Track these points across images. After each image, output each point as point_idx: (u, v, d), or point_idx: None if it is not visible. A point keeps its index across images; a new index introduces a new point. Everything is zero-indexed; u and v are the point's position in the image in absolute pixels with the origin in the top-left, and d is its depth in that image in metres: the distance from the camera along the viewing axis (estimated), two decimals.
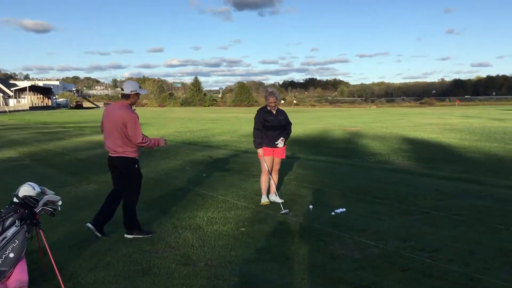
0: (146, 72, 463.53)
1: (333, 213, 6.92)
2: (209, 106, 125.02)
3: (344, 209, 7.10)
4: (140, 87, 5.88)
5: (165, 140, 6.27)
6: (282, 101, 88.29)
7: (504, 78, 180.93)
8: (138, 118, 5.71)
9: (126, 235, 5.97)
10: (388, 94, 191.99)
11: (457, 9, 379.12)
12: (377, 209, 7.19)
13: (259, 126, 7.72)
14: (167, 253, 5.31)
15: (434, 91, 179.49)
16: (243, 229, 6.25)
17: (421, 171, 11.39)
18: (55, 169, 12.14)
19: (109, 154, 5.88)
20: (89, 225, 5.94)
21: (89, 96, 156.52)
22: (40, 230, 4.25)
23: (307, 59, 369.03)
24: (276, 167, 7.90)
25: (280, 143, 7.77)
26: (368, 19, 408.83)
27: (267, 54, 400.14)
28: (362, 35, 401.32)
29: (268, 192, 7.87)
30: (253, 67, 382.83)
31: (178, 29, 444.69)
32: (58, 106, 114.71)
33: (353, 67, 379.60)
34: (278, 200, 7.70)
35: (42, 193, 4.36)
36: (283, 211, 7.10)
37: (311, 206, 7.24)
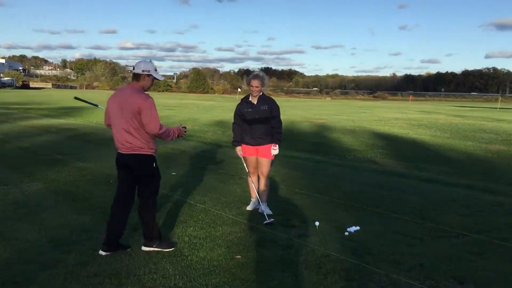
0: (98, 54, 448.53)
1: (346, 233, 5.52)
2: (163, 91, 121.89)
3: (358, 227, 5.72)
4: (156, 70, 4.78)
5: (185, 128, 5.08)
6: (239, 89, 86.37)
7: (453, 75, 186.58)
8: (154, 103, 4.60)
9: (143, 247, 4.88)
10: (342, 87, 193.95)
11: (411, 5, 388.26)
12: (398, 227, 5.85)
13: (236, 119, 6.38)
14: None
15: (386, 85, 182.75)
16: (238, 256, 4.75)
17: (414, 174, 10.25)
18: None
19: (119, 151, 4.79)
20: (103, 253, 4.74)
21: (36, 76, 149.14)
22: None
23: (263, 48, 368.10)
24: (263, 169, 6.40)
25: (273, 150, 6.32)
26: (324, 11, 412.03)
27: (224, 41, 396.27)
28: (318, 27, 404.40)
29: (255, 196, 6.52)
30: (209, 53, 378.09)
31: (132, 10, 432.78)
32: (3, 85, 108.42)
33: (308, 58, 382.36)
34: (266, 210, 6.27)
35: None
36: (268, 221, 5.79)
37: (317, 223, 5.80)
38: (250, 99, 6.28)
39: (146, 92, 4.69)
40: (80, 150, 11.92)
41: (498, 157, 15.05)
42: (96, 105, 6.85)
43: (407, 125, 26.10)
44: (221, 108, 39.36)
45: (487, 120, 32.19)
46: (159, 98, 58.70)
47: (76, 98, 7.15)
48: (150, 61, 4.81)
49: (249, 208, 6.49)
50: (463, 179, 9.97)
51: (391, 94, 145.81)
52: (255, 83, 6.12)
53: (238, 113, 6.30)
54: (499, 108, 57.00)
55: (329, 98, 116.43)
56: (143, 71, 4.64)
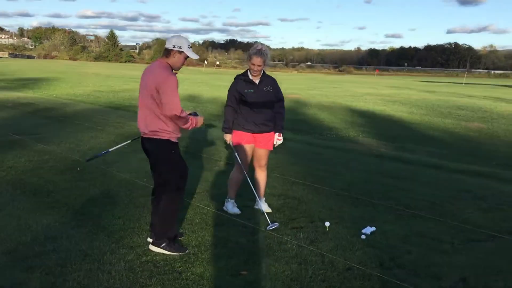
0: (57, 22, 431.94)
1: (363, 236, 4.72)
2: (125, 62, 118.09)
3: (374, 228, 4.93)
4: (190, 47, 4.18)
5: (204, 119, 4.49)
6: (205, 62, 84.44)
7: (416, 50, 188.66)
8: (177, 83, 4.05)
9: (151, 247, 4.26)
10: (308, 60, 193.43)
11: None
12: (419, 227, 5.08)
13: (232, 102, 5.27)
14: None
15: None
16: (244, 272, 3.87)
17: (408, 157, 9.60)
18: None
19: (141, 135, 4.29)
20: (150, 240, 4.36)
21: None
22: None
23: (229, 20, 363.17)
24: (262, 161, 5.48)
25: (277, 141, 5.42)
26: None
27: (188, 11, 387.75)
28: None
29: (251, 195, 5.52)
30: (173, 24, 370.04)
31: None
32: None
33: (273, 30, 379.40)
34: (266, 208, 5.40)
35: None
36: (271, 226, 4.88)
37: (327, 223, 4.96)
38: (250, 76, 5.25)
39: (174, 71, 4.14)
40: (40, 129, 10.66)
41: (480, 135, 14.85)
42: (108, 151, 5.92)
43: (381, 101, 25.65)
44: (189, 81, 37.91)
45: (458, 96, 32.12)
46: (123, 70, 56.49)
47: (88, 160, 6.36)
48: (185, 36, 4.13)
49: (231, 210, 5.41)
50: (457, 163, 9.42)
51: (356, 68, 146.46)
52: (257, 61, 5.08)
53: (235, 94, 5.23)
54: (465, 83, 57.57)
55: (296, 72, 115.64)
56: (174, 46, 4.10)
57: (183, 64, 4.21)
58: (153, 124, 4.08)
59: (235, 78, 5.34)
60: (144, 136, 4.19)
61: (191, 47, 4.16)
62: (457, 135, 14.64)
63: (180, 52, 4.10)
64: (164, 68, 4.06)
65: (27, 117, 12.73)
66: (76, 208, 5.27)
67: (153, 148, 4.17)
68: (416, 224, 5.19)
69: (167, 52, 4.13)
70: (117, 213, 5.14)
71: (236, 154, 5.33)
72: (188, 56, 4.16)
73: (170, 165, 4.18)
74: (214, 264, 4.00)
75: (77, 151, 8.28)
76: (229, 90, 5.32)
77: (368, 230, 4.89)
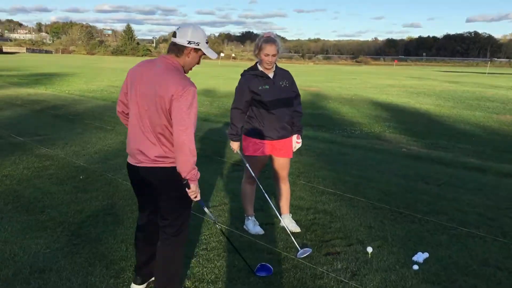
0: (74, 17, 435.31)
1: (415, 267, 3.87)
2: (142, 56, 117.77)
3: (426, 255, 4.08)
4: (207, 42, 3.09)
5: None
6: (221, 54, 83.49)
7: (434, 39, 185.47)
8: (196, 95, 2.89)
9: None
10: (324, 51, 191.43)
11: None
12: (480, 252, 4.20)
13: (240, 103, 4.36)
14: None
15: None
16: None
17: (444, 157, 8.68)
18: None
19: (132, 161, 3.10)
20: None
21: (10, 40, 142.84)
22: None
23: (245, 12, 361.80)
24: (284, 171, 4.63)
25: (297, 144, 4.58)
26: None
27: (204, 4, 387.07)
28: None
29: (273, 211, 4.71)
30: (189, 17, 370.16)
31: None
32: None
33: (290, 22, 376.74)
34: (293, 228, 4.58)
35: None
36: (302, 252, 4.02)
37: (369, 249, 4.12)
38: (261, 70, 4.37)
39: (187, 76, 2.99)
40: (46, 129, 9.96)
41: None
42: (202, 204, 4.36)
43: (404, 93, 24.64)
44: (204, 74, 37.17)
45: (484, 87, 30.84)
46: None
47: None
48: (202, 28, 3.06)
49: (252, 230, 4.58)
50: (500, 163, 8.52)
51: (373, 59, 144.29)
52: (271, 50, 4.20)
53: (247, 94, 4.31)
54: (488, 73, 55.84)
55: (312, 63, 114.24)
56: (189, 42, 2.96)
57: (197, 64, 3.14)
58: (163, 148, 2.97)
59: (242, 75, 4.43)
60: (145, 165, 3.00)
61: (208, 42, 3.10)
62: (489, 129, 13.71)
63: (197, 50, 3.01)
64: (177, 73, 2.93)
65: (34, 116, 12.06)
66: (72, 228, 4.52)
67: (163, 178, 3.01)
68: (475, 247, 4.31)
69: (180, 49, 2.99)
70: (120, 235, 4.37)
71: (247, 164, 4.47)
72: (204, 54, 3.08)
73: (183, 201, 3.06)
74: None
75: (82, 155, 7.55)
76: (237, 90, 4.40)
77: (421, 257, 4.04)
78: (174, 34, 3.00)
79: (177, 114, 2.80)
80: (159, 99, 2.85)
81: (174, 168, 2.89)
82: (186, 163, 2.82)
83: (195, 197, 2.96)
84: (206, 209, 3.27)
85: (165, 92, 2.82)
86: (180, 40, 2.96)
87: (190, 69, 3.09)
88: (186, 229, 3.17)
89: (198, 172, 2.91)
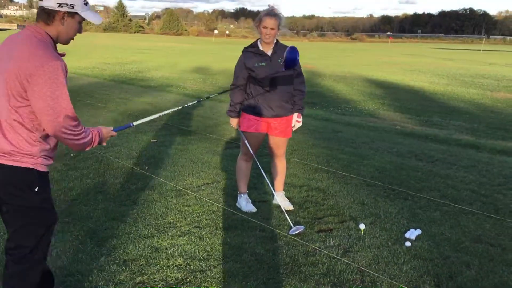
0: None
1: (408, 244, 3.87)
2: (135, 32, 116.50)
3: (419, 231, 4.08)
4: (86, 4, 2.39)
5: (113, 131, 2.68)
6: (215, 31, 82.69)
7: (429, 16, 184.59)
8: (64, 72, 2.25)
9: None
10: (319, 28, 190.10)
11: None
12: (473, 229, 4.19)
13: (238, 80, 4.35)
14: None
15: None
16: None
17: (437, 134, 8.68)
18: None
19: None
20: None
21: (1, 17, 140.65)
22: None
23: None
24: (280, 150, 4.59)
25: (297, 123, 4.52)
26: None
27: None
28: None
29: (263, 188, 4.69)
30: None
31: None
32: None
33: None
34: (286, 205, 4.55)
35: None
36: (294, 229, 4.01)
37: (362, 226, 4.11)
38: (260, 47, 4.36)
39: (58, 52, 2.36)
40: None
41: (507, 106, 13.95)
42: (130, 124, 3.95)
43: (399, 70, 24.56)
44: (198, 51, 36.85)
45: (479, 64, 30.83)
46: (131, 41, 55.18)
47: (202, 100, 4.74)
48: None
49: (245, 208, 4.52)
50: (493, 140, 8.61)
51: (368, 36, 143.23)
52: (270, 23, 4.15)
53: (243, 70, 4.30)
54: (482, 50, 55.68)
55: (306, 40, 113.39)
56: (60, 5, 2.28)
57: (76, 33, 2.44)
58: (12, 142, 2.29)
59: (242, 51, 4.41)
60: None
61: (87, 3, 2.40)
62: (483, 106, 13.79)
63: (72, 14, 2.34)
64: (41, 46, 2.26)
65: None
66: (63, 206, 4.48)
67: (8, 182, 2.32)
68: (468, 224, 4.31)
69: (48, 15, 2.31)
70: (111, 213, 4.33)
71: (245, 141, 4.44)
72: (84, 20, 2.41)
73: (33, 216, 2.41)
74: (226, 287, 3.19)
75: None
76: (236, 67, 4.40)
77: (413, 234, 4.04)
78: None
79: (39, 101, 2.20)
80: (8, 78, 2.22)
81: (24, 169, 2.32)
82: (77, 149, 2.42)
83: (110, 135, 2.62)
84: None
85: (17, 69, 2.20)
86: (48, 2, 2.28)
87: (71, 39, 2.42)
88: (39, 259, 2.47)
89: (97, 139, 2.50)
